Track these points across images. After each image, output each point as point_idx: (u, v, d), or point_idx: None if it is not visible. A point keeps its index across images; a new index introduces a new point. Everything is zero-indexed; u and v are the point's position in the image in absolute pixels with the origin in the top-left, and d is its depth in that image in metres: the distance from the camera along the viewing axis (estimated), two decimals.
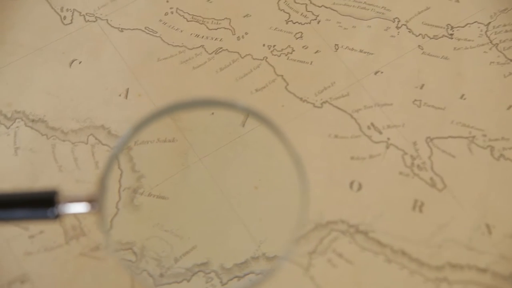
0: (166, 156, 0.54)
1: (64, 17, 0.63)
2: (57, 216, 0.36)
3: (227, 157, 0.55)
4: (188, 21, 0.62)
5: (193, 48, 0.61)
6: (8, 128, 0.57)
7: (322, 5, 0.63)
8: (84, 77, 0.60)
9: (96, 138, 0.56)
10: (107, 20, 0.62)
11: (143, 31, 0.62)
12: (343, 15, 0.63)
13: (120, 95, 0.59)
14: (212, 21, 0.62)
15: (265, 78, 0.60)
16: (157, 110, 0.36)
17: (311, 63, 0.60)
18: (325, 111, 0.58)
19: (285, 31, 0.62)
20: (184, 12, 0.63)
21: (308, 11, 0.63)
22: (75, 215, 0.53)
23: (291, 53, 0.61)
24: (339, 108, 0.58)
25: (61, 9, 0.63)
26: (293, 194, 0.37)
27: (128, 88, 0.59)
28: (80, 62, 0.60)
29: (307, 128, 0.58)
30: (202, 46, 0.61)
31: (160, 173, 0.52)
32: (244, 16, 0.63)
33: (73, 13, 0.63)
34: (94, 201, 0.36)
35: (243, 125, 0.57)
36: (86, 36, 0.62)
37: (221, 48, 0.61)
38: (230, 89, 0.59)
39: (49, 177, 0.55)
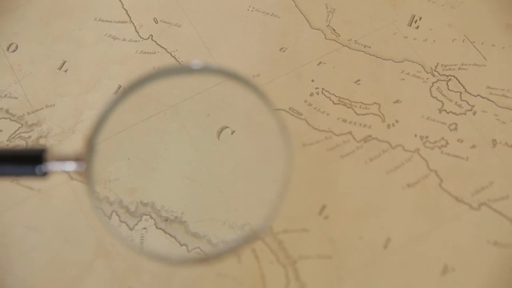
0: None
1: None
2: (44, 174, 0.37)
3: None
4: (334, 103, 0.59)
5: (341, 134, 0.58)
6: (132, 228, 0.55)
7: (478, 95, 0.59)
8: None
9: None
10: None
11: (287, 111, 0.59)
12: (501, 107, 0.58)
13: None
14: (360, 106, 0.59)
15: (417, 172, 0.56)
16: (146, 74, 0.38)
17: (467, 159, 0.56)
18: (482, 214, 0.54)
19: (438, 121, 0.58)
20: (331, 94, 0.59)
21: (463, 100, 0.59)
22: None
23: (445, 146, 0.57)
24: (498, 212, 0.54)
25: None
26: None
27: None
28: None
29: (463, 232, 0.54)
30: (350, 132, 0.58)
31: None
32: (394, 102, 0.59)
33: None
34: (82, 160, 0.37)
35: None
36: None
37: (370, 136, 0.57)
38: (381, 183, 0.55)
39: None
